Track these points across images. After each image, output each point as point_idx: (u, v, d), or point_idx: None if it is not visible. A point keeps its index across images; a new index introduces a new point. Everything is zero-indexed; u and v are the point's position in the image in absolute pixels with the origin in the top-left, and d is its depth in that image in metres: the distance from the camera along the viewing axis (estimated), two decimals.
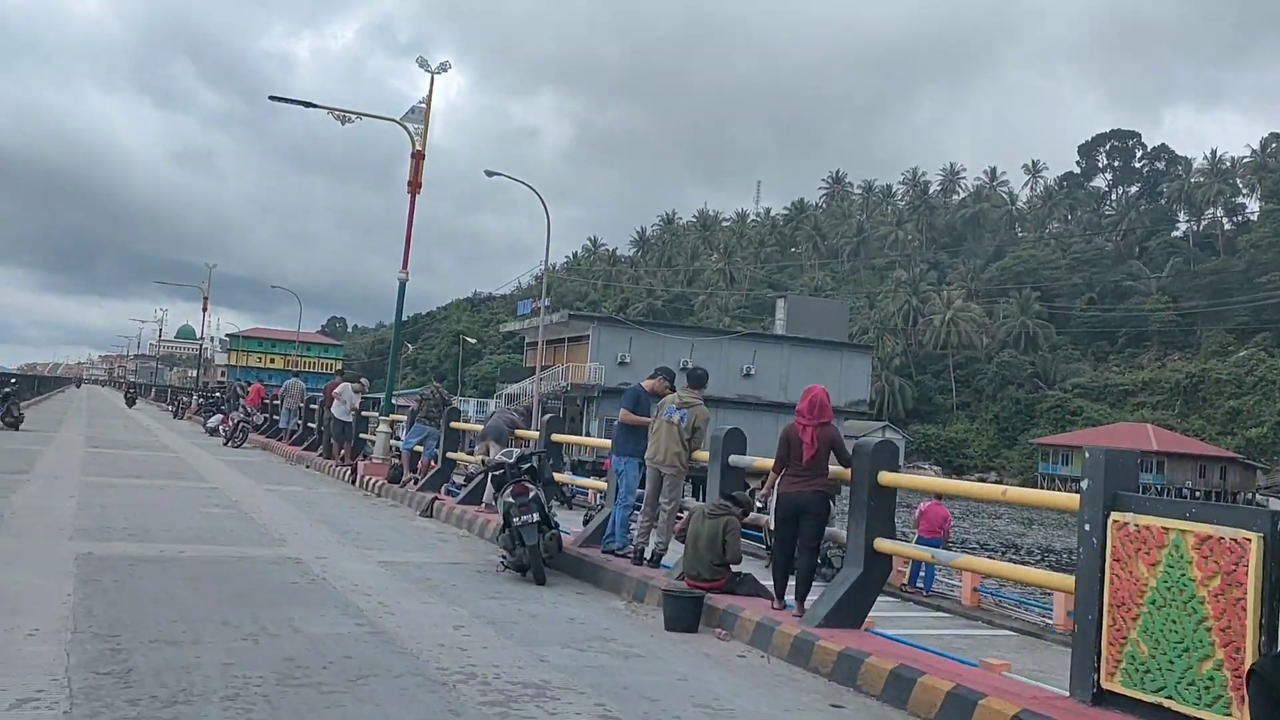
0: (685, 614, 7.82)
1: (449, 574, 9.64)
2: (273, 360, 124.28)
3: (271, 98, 17.89)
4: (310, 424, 25.10)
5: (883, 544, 7.46)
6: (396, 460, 17.34)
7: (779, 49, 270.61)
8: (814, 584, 7.96)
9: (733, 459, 9.15)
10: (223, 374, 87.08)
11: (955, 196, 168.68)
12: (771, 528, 8.28)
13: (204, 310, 53.46)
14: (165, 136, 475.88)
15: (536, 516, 9.25)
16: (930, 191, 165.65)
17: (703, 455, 9.50)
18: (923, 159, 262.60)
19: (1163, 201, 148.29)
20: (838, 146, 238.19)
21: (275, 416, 28.56)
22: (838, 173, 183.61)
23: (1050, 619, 15.05)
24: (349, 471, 18.28)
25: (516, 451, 10.27)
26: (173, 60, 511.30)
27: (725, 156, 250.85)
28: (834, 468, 7.91)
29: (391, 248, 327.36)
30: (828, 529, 8.44)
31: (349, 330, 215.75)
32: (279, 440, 26.71)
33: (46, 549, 9.17)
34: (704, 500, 9.40)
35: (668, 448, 9.45)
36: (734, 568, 8.45)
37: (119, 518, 11.41)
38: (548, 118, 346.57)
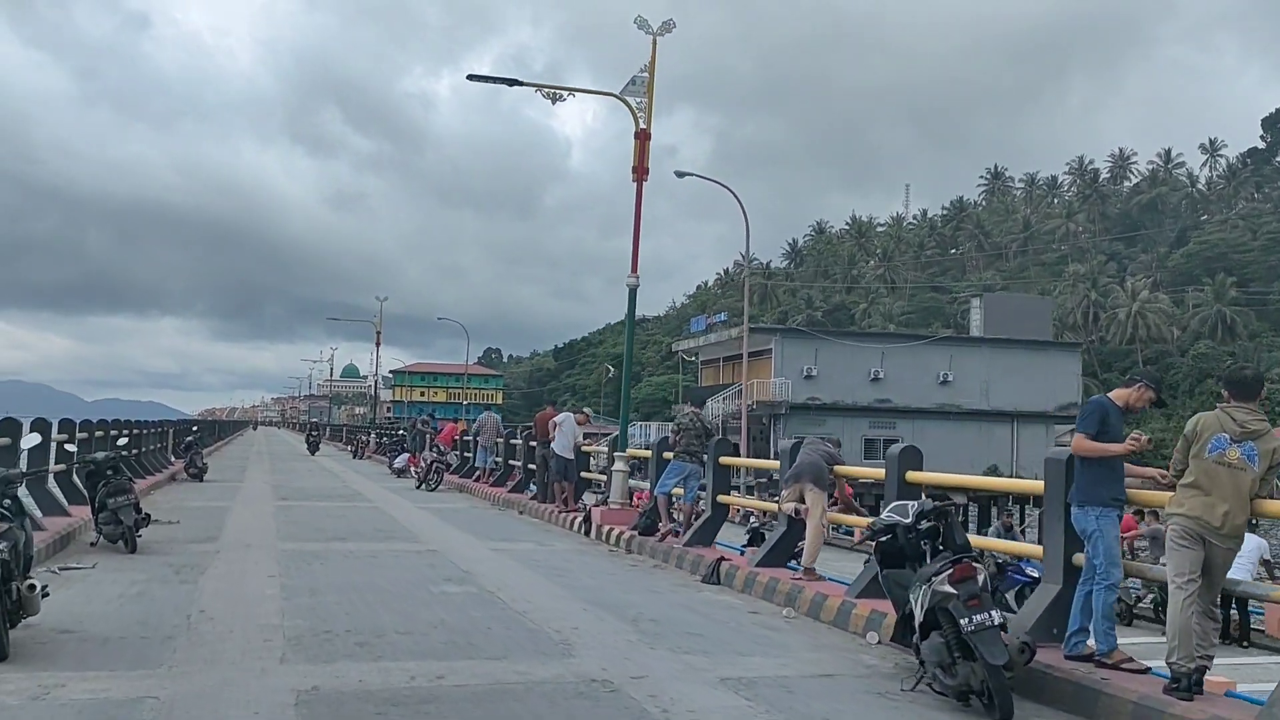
0: None
1: (837, 702, 6.28)
2: (435, 394, 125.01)
3: (470, 77, 15.06)
4: (512, 461, 22.33)
5: None
6: (638, 505, 14.21)
7: (916, 46, 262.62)
8: None
9: None
10: (388, 409, 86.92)
11: (1126, 183, 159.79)
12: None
13: (377, 345, 52.16)
14: (319, 182, 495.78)
15: (997, 617, 5.79)
16: (1100, 180, 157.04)
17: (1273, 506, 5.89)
18: (1077, 147, 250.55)
19: None
20: (985, 141, 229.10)
21: (467, 454, 26.02)
22: (996, 167, 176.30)
23: None
24: (579, 519, 15.23)
25: (913, 505, 6.83)
26: (321, 108, 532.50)
27: (868, 161, 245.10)
28: None
29: (539, 275, 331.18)
30: None
31: (504, 360, 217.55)
32: (475, 480, 24.10)
33: (252, 680, 6.22)
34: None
35: (1233, 506, 5.88)
36: None
37: (338, 614, 8.45)
38: (686, 135, 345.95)
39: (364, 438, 44.25)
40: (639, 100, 14.74)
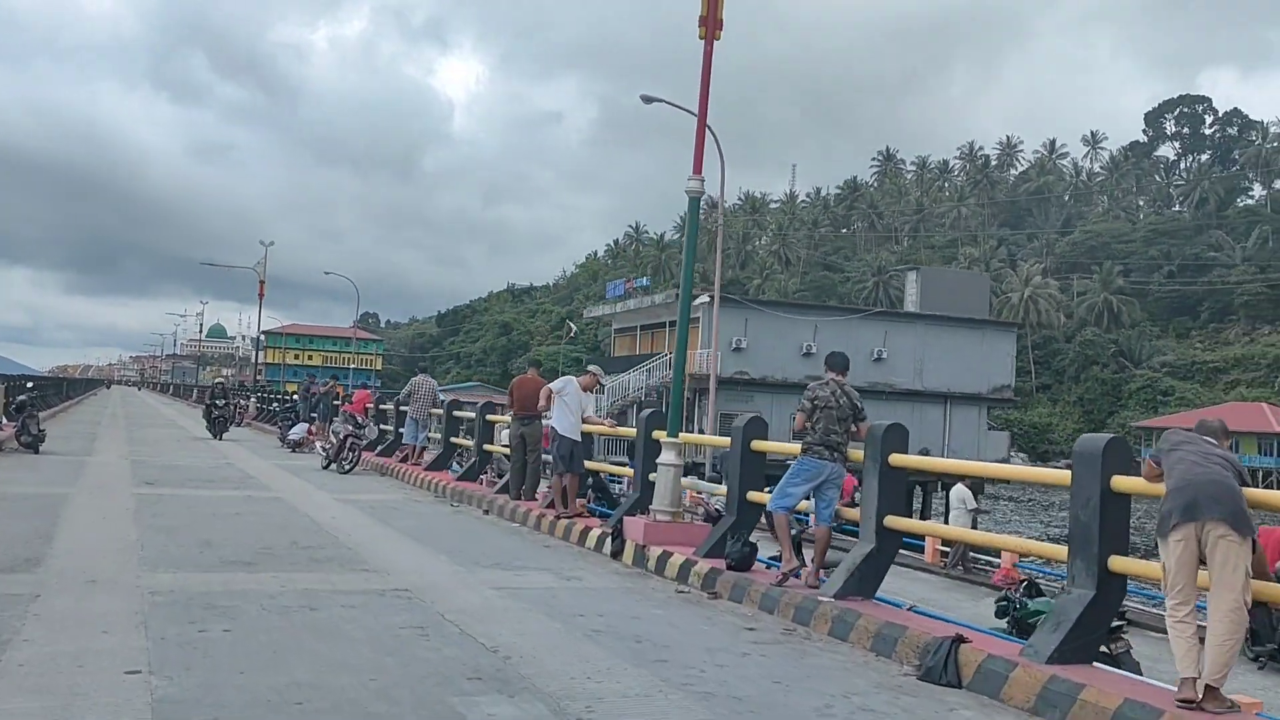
0: None
1: None
2: (311, 357, 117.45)
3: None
4: (455, 439, 17.33)
5: None
6: (700, 513, 9.50)
7: (805, 27, 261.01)
8: None
9: None
10: (260, 372, 79.99)
11: (1013, 171, 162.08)
12: None
13: (260, 296, 45.28)
14: (183, 132, 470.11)
15: None
16: (990, 166, 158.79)
17: None
18: (957, 135, 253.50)
19: (1235, 168, 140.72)
20: (869, 125, 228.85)
21: (385, 427, 20.87)
22: (888, 149, 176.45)
23: None
24: (598, 534, 10.42)
25: None
26: (188, 53, 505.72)
27: (755, 138, 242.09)
28: None
29: (419, 240, 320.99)
30: None
31: (382, 325, 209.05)
32: (401, 460, 19.02)
33: None
34: None
35: None
36: None
37: None
38: (572, 101, 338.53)
39: (242, 402, 37.94)
40: None
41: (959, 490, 18.00)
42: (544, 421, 12.57)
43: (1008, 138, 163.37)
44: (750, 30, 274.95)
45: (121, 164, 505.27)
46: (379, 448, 20.55)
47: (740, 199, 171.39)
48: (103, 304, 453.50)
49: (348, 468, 18.25)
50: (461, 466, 16.86)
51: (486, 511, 13.41)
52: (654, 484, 10.10)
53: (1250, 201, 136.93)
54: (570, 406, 11.53)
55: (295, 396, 27.91)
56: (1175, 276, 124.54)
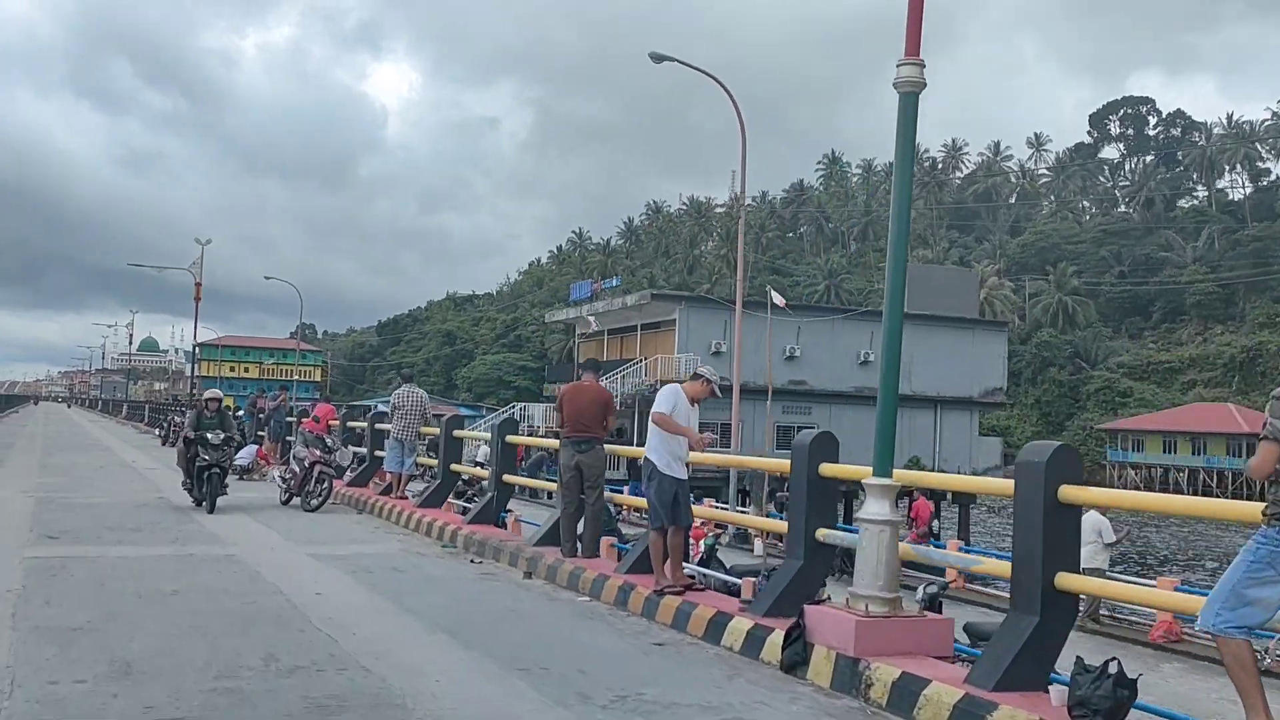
0: None
1: None
2: (247, 369, 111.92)
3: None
4: (456, 467, 13.41)
5: None
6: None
7: (735, 32, 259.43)
8: None
9: None
10: (194, 386, 74.95)
11: (958, 173, 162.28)
12: None
13: (196, 300, 40.11)
14: (107, 140, 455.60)
15: None
16: (937, 168, 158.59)
17: None
18: (887, 139, 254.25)
19: (1180, 169, 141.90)
20: (805, 130, 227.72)
21: (357, 449, 16.87)
22: (833, 153, 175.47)
23: None
24: (779, 631, 6.61)
25: None
26: (109, 60, 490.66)
27: (689, 144, 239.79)
28: None
29: (353, 249, 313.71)
30: None
31: (320, 336, 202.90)
32: (383, 493, 15.01)
33: None
34: None
35: None
36: None
37: None
38: (507, 106, 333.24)
39: (178, 419, 33.08)
40: None
41: (1094, 519, 13.70)
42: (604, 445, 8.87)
43: (952, 140, 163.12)
44: (681, 37, 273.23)
45: (41, 173, 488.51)
46: (349, 475, 16.52)
47: (685, 203, 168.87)
48: (27, 318, 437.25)
49: (315, 503, 14.24)
50: (467, 504, 12.97)
51: (529, 575, 9.54)
52: (832, 548, 6.40)
53: (1195, 202, 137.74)
54: (679, 428, 7.79)
55: (240, 413, 23.75)
56: (1126, 277, 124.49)
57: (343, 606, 7.92)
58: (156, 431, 37.90)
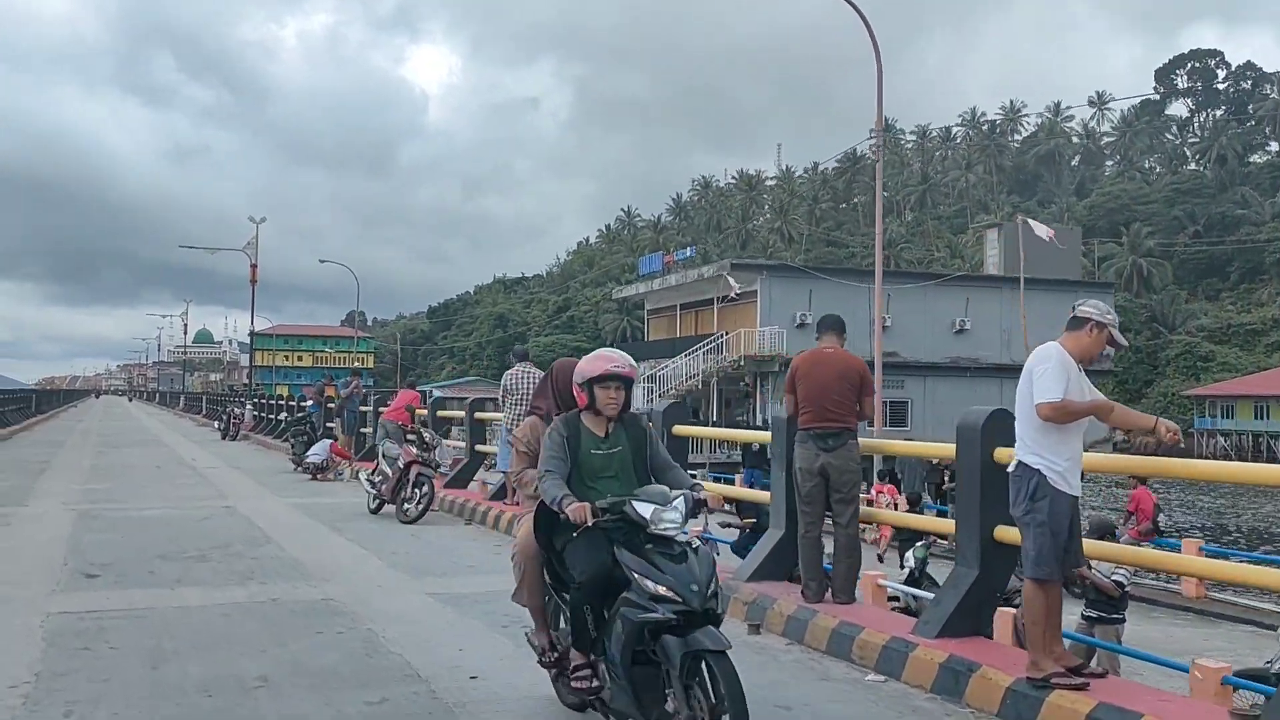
0: None
1: None
2: (301, 358, 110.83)
3: None
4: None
5: None
6: None
7: (775, 6, 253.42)
8: None
9: None
10: (248, 375, 73.93)
11: (1017, 136, 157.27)
12: None
13: (253, 282, 37.73)
14: (155, 136, 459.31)
15: None
16: (996, 131, 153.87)
17: None
18: (943, 104, 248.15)
19: (1251, 123, 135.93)
20: (850, 99, 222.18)
21: (457, 444, 14.13)
22: (887, 120, 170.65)
23: None
24: None
25: None
26: (153, 55, 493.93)
27: (731, 120, 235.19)
28: None
29: (398, 237, 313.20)
30: None
31: (369, 324, 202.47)
32: (494, 498, 12.22)
33: None
34: None
35: None
36: None
37: None
38: (548, 85, 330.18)
39: (238, 410, 30.51)
40: None
41: None
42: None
43: (1010, 102, 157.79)
44: (716, 14, 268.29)
45: (92, 171, 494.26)
46: (452, 477, 13.76)
47: (734, 178, 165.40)
48: (86, 314, 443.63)
49: (414, 512, 11.50)
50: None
51: (755, 629, 6.63)
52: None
53: (1270, 157, 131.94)
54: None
55: (308, 404, 21.09)
56: (1201, 237, 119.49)
57: (507, 688, 5.08)
58: (216, 424, 35.56)
